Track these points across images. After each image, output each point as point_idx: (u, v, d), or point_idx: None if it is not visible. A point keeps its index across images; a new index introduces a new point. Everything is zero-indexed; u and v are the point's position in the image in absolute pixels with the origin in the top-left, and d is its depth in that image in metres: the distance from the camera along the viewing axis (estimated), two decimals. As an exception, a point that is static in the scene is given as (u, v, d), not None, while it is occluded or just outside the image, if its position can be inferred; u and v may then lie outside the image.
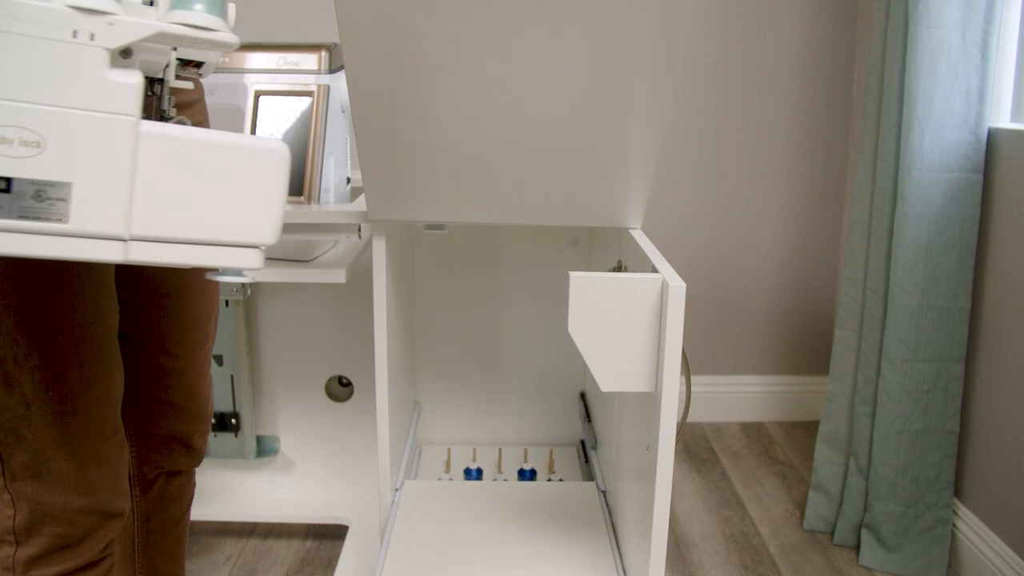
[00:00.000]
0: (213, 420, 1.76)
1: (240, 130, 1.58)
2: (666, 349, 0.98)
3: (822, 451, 1.92)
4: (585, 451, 1.70)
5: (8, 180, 0.67)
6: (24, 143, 0.68)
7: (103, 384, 0.93)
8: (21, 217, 0.68)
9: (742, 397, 2.48)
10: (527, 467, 1.71)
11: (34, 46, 0.68)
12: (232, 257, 0.75)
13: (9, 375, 0.85)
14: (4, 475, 0.88)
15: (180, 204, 0.73)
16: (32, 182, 0.68)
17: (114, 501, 0.95)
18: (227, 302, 1.69)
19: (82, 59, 0.69)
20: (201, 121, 1.09)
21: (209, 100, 1.57)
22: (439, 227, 1.34)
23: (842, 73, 2.30)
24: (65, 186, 0.68)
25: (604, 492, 1.48)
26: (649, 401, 1.07)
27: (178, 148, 0.72)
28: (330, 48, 1.50)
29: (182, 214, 0.73)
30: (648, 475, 1.05)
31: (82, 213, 0.69)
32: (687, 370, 1.09)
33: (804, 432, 2.41)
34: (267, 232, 0.76)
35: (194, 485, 1.24)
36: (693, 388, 2.44)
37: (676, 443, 1.01)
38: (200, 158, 0.73)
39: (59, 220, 0.69)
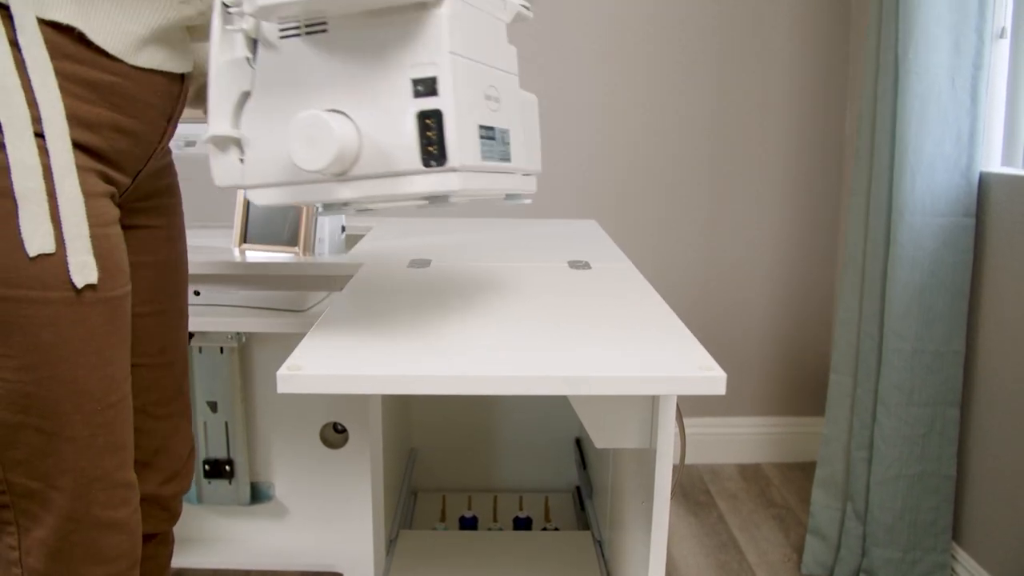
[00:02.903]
0: (207, 466, 1.76)
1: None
2: (660, 405, 0.98)
3: (819, 496, 1.91)
4: (581, 498, 1.70)
5: (493, 129, 0.82)
6: (494, 99, 0.83)
7: (125, 448, 0.90)
8: (502, 159, 0.84)
9: (739, 438, 2.47)
10: (522, 515, 1.70)
11: (492, 24, 0.85)
12: (527, 184, 0.94)
13: (51, 444, 0.82)
14: (19, 550, 0.86)
15: (526, 145, 0.91)
16: (501, 131, 0.84)
17: (131, 571, 0.92)
18: (222, 349, 1.69)
19: (502, 32, 0.87)
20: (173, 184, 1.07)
21: (205, 149, 1.58)
22: (424, 264, 1.34)
23: (834, 115, 2.32)
24: (507, 132, 0.85)
25: (600, 542, 1.47)
26: (644, 452, 1.06)
27: (527, 109, 0.92)
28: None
29: (526, 152, 0.91)
30: (644, 527, 1.05)
31: (516, 154, 0.86)
32: (680, 418, 1.09)
33: (801, 474, 2.40)
34: (539, 163, 0.97)
35: (172, 542, 1.20)
36: (690, 429, 2.43)
37: (672, 491, 1.01)
38: (526, 112, 0.93)
39: (507, 160, 0.84)
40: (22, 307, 0.78)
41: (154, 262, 1.01)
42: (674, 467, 0.99)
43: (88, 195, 0.80)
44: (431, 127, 0.76)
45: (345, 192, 0.80)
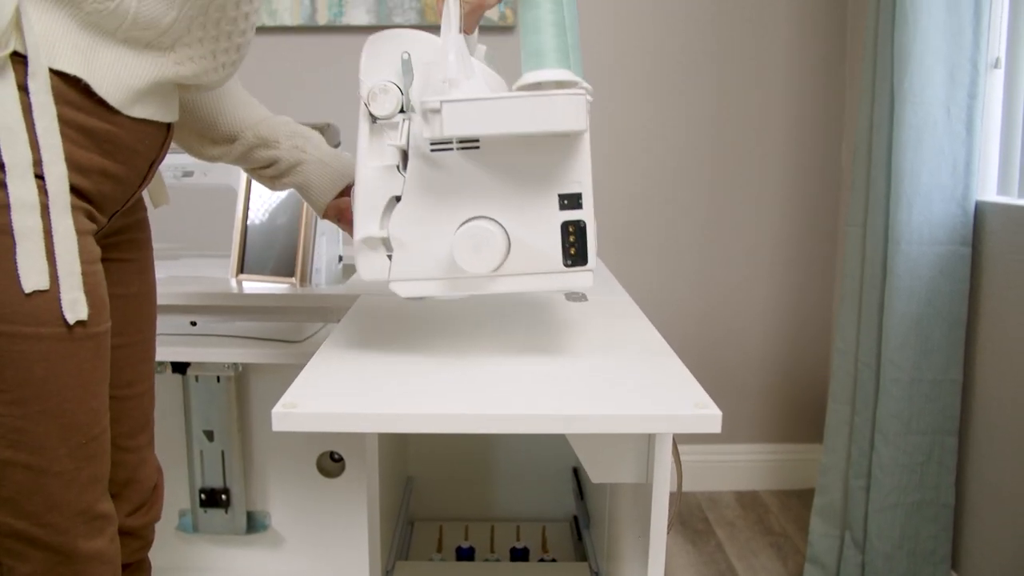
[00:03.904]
0: (203, 495, 1.75)
1: (233, 209, 1.59)
2: (657, 440, 0.98)
3: (817, 524, 1.90)
4: (578, 528, 1.69)
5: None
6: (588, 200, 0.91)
7: (104, 479, 0.91)
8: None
9: (737, 466, 2.47)
10: (519, 546, 1.69)
11: None
12: None
13: (40, 480, 0.83)
14: None
15: None
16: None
17: None
18: (219, 378, 1.68)
19: None
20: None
21: (202, 179, 1.59)
22: (419, 298, 1.34)
23: (831, 145, 2.33)
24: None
25: (597, 574, 1.46)
26: (641, 485, 1.06)
27: None
28: (323, 129, 1.51)
29: None
30: (641, 560, 1.04)
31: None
32: (676, 450, 1.09)
33: (799, 501, 2.40)
34: None
35: (149, 569, 1.19)
36: (688, 457, 2.43)
37: (670, 524, 1.01)
38: None
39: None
40: (15, 342, 0.79)
41: (124, 294, 1.03)
42: (672, 495, 0.99)
43: (78, 233, 0.81)
44: (573, 233, 0.90)
45: (494, 288, 0.92)
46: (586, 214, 0.90)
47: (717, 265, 2.38)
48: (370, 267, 0.93)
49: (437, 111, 0.83)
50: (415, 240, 0.91)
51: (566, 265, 0.91)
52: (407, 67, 0.90)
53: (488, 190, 0.90)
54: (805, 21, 2.27)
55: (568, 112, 0.84)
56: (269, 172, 1.17)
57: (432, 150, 0.89)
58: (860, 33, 2.17)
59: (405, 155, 0.91)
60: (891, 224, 1.68)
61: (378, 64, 0.91)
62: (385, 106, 0.90)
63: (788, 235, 2.37)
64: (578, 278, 0.92)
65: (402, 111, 0.90)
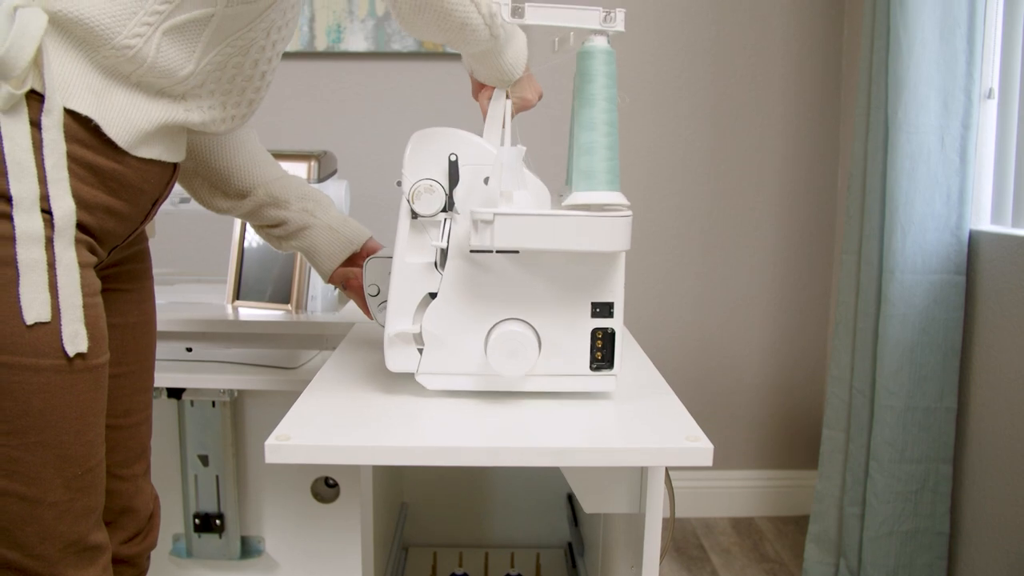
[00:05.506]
0: (197, 520, 1.75)
1: (229, 237, 1.59)
2: (649, 471, 0.98)
3: (812, 551, 1.90)
4: (572, 555, 1.69)
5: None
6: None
7: (99, 509, 0.92)
8: None
9: (732, 492, 2.46)
10: (513, 572, 1.69)
11: None
12: None
13: (33, 511, 0.84)
14: None
15: None
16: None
17: None
18: (214, 403, 1.68)
19: None
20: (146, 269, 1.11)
21: (199, 206, 1.60)
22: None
23: (827, 174, 2.34)
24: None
25: (591, 602, 1.46)
26: (634, 515, 1.06)
27: None
28: (319, 156, 1.52)
29: None
30: (634, 591, 1.04)
31: None
32: (668, 480, 1.09)
33: (795, 527, 2.39)
34: None
35: None
36: (683, 483, 2.42)
37: (664, 551, 1.01)
38: None
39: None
40: (15, 373, 0.79)
41: (123, 324, 1.04)
42: (665, 521, 1.01)
43: (79, 266, 0.82)
44: (601, 339, 0.95)
45: (521, 387, 0.96)
46: (616, 322, 0.94)
47: (713, 291, 2.39)
48: (398, 360, 0.96)
49: (489, 223, 0.86)
50: (447, 337, 0.94)
51: (592, 368, 0.95)
52: (454, 169, 0.93)
53: (523, 293, 0.94)
54: (801, 51, 2.29)
55: (613, 234, 0.88)
56: (276, 232, 1.17)
57: (472, 251, 0.92)
58: (855, 62, 2.19)
59: (443, 252, 0.94)
60: (885, 252, 1.68)
61: (422, 161, 0.94)
62: (430, 206, 0.92)
63: (784, 262, 2.38)
64: (602, 382, 0.97)
65: (444, 210, 0.93)
